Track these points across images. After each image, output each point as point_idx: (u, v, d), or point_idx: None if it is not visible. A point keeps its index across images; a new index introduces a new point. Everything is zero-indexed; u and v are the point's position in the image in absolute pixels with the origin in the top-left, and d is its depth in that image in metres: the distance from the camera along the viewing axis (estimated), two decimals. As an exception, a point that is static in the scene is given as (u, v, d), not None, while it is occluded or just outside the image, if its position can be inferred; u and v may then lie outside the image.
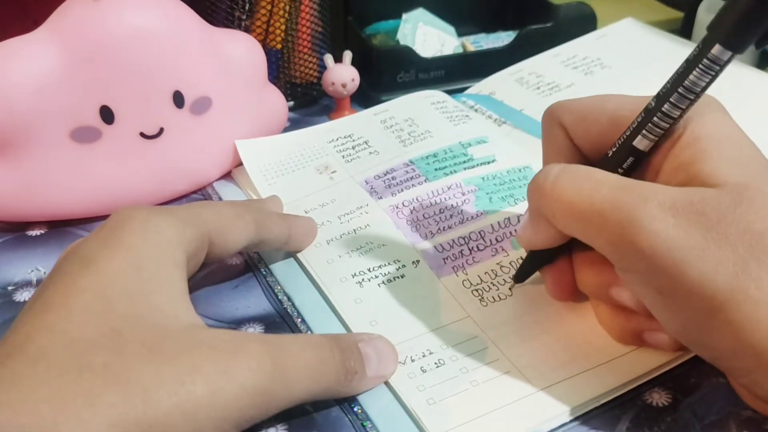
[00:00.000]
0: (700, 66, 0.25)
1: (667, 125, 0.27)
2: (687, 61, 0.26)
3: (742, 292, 0.23)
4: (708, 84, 0.26)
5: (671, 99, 0.26)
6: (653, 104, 0.27)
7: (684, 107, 0.26)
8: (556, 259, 0.31)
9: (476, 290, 0.34)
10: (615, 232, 0.25)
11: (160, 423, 0.23)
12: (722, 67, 0.25)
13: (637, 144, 0.27)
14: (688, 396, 0.29)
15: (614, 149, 0.28)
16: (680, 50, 0.52)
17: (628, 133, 0.28)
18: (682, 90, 0.26)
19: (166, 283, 0.27)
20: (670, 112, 0.26)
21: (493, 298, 0.33)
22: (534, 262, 0.32)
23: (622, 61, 0.52)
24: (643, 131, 0.27)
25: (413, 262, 0.36)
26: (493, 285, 0.34)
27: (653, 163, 0.28)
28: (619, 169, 0.28)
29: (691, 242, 0.24)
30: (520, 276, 0.33)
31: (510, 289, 0.34)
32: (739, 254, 0.23)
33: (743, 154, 0.26)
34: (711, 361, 0.26)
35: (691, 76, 0.26)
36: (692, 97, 0.26)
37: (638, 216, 0.24)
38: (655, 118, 0.27)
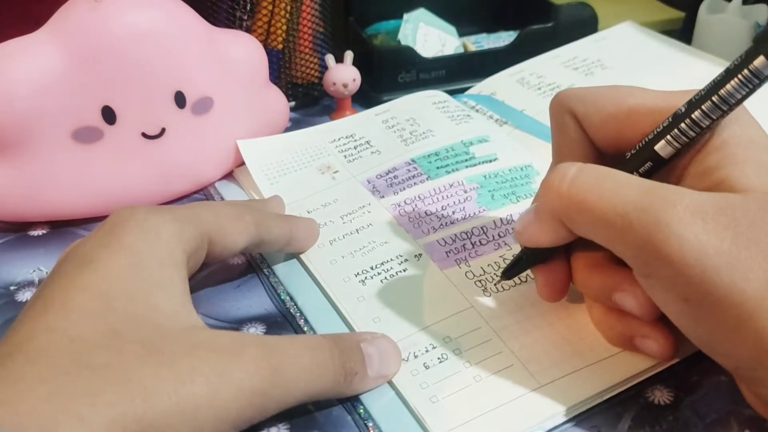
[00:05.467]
0: (740, 76, 0.24)
1: (694, 134, 0.26)
2: (726, 70, 0.25)
3: None
4: (744, 97, 0.25)
5: (703, 107, 0.25)
6: (683, 110, 0.26)
7: (715, 117, 0.25)
8: (552, 259, 0.30)
9: (479, 281, 0.34)
10: (640, 236, 0.24)
11: (159, 422, 0.23)
12: (762, 81, 0.24)
13: (659, 149, 0.26)
14: (690, 394, 0.29)
15: (633, 152, 0.27)
16: (678, 54, 0.52)
17: (651, 137, 0.27)
18: (717, 99, 0.25)
19: (165, 282, 0.27)
20: (700, 121, 0.25)
21: (496, 288, 0.33)
22: (529, 260, 0.31)
23: (622, 63, 0.52)
24: (668, 137, 0.26)
25: (416, 255, 0.36)
26: (497, 276, 0.34)
27: (676, 167, 0.27)
28: (635, 173, 0.27)
29: (722, 249, 0.23)
30: (511, 272, 0.32)
31: (495, 285, 0.33)
32: None
33: None
34: (731, 369, 0.25)
35: (728, 86, 0.24)
36: (725, 108, 0.25)
37: (666, 220, 0.23)
38: (682, 125, 0.26)
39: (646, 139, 0.27)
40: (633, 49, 0.54)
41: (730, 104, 0.25)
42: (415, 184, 0.41)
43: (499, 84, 0.52)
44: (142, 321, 0.25)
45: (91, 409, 0.22)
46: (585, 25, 0.57)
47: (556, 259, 0.30)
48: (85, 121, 0.38)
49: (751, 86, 0.24)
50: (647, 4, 0.67)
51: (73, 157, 0.38)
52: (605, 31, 0.57)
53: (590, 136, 0.29)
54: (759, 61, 0.24)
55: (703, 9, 0.56)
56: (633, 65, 0.52)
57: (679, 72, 0.50)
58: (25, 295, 0.36)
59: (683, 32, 0.58)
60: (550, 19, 0.57)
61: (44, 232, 0.41)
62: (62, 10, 0.37)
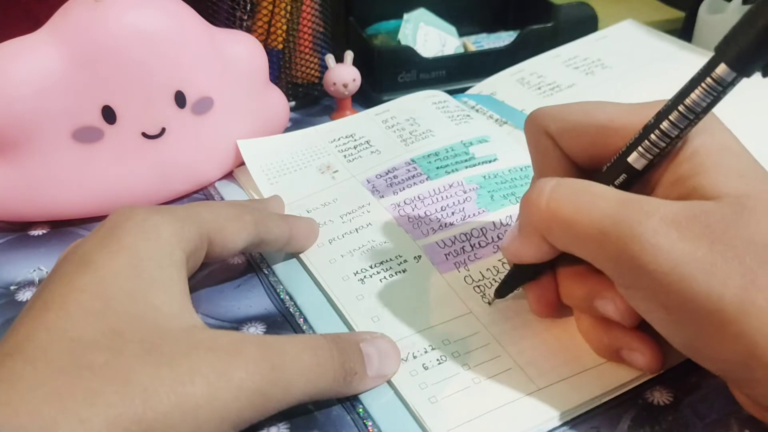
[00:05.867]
0: (703, 85, 0.24)
1: (664, 144, 0.26)
2: (691, 79, 0.25)
3: (751, 303, 0.22)
4: (710, 105, 0.25)
5: (670, 117, 0.25)
6: (652, 121, 0.26)
7: (683, 127, 0.25)
8: (541, 275, 0.30)
9: (478, 286, 0.34)
10: (616, 248, 0.24)
11: (159, 422, 0.23)
12: (726, 88, 0.24)
13: (633, 162, 0.27)
14: (689, 395, 0.29)
15: (608, 165, 0.27)
16: (679, 52, 0.52)
17: (624, 149, 0.27)
18: (683, 109, 0.25)
19: (164, 282, 0.27)
20: (669, 132, 0.25)
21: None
22: (519, 278, 0.31)
23: (622, 62, 0.52)
24: (639, 148, 0.26)
25: (415, 257, 0.36)
26: (495, 281, 0.34)
27: (649, 178, 0.27)
28: (611, 185, 0.27)
29: (697, 255, 0.23)
30: (502, 291, 0.32)
31: (489, 303, 0.33)
32: (746, 265, 0.23)
33: (742, 166, 0.25)
34: (718, 373, 0.26)
35: (693, 95, 0.25)
36: (692, 117, 0.25)
37: (640, 231, 0.24)
38: (652, 136, 0.26)
39: (620, 152, 0.27)
40: (634, 48, 0.54)
41: (697, 113, 0.25)
42: (414, 184, 0.41)
43: (499, 84, 0.52)
44: (142, 321, 0.25)
45: (91, 410, 0.22)
46: (585, 25, 0.57)
47: (545, 275, 0.30)
48: (85, 121, 0.38)
49: (715, 94, 0.24)
50: (647, 4, 0.67)
51: (73, 157, 0.38)
52: (606, 30, 0.57)
53: (566, 153, 0.30)
54: (721, 69, 0.24)
55: (703, 9, 0.55)
56: (634, 64, 0.51)
57: (681, 70, 0.49)
58: (25, 295, 0.36)
59: (683, 32, 0.58)
60: (550, 19, 0.57)
61: (44, 232, 0.41)
62: (62, 10, 0.37)
